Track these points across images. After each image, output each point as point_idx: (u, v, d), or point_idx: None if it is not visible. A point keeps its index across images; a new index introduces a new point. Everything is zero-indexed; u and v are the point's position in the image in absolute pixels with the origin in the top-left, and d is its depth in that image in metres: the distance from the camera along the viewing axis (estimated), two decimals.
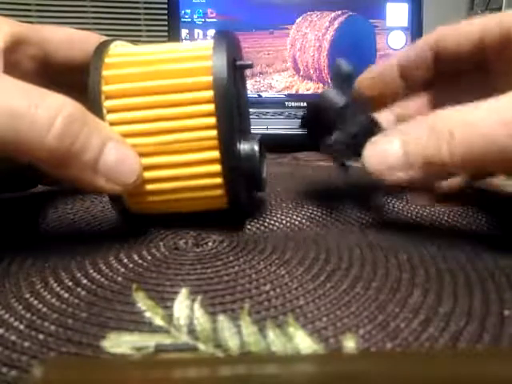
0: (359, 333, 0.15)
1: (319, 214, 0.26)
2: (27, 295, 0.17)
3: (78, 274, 0.19)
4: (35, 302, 0.17)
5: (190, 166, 0.21)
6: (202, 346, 0.15)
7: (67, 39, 0.24)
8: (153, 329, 0.15)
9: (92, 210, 0.26)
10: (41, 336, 0.15)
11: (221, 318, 0.16)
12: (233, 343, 0.15)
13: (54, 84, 0.23)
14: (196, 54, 0.21)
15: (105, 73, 0.21)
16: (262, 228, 0.24)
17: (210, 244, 0.21)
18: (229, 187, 0.21)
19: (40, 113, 0.17)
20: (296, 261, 0.20)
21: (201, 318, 0.16)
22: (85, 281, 0.18)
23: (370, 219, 0.25)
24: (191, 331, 0.15)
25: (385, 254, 0.20)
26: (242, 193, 0.22)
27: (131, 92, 0.20)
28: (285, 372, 0.12)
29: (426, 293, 0.17)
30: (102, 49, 0.21)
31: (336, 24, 0.63)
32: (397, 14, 0.68)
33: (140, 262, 0.20)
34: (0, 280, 0.18)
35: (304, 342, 0.15)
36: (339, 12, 0.64)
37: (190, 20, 0.64)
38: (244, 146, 0.22)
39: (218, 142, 0.20)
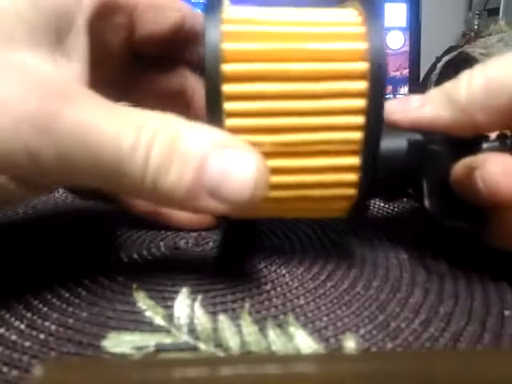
0: (360, 333, 0.15)
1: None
2: (27, 295, 0.17)
3: (79, 274, 0.19)
4: (36, 302, 0.17)
5: (319, 173, 0.17)
6: (202, 346, 0.15)
7: (155, 3, 0.20)
8: (153, 328, 0.15)
9: (93, 210, 0.26)
10: (41, 336, 0.15)
11: (221, 317, 0.16)
12: (233, 343, 0.15)
13: (135, 60, 0.21)
14: (343, 30, 0.16)
15: (224, 46, 0.16)
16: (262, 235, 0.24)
17: (210, 244, 0.21)
18: (360, 197, 0.17)
19: (140, 148, 0.14)
20: (296, 260, 0.20)
21: (201, 318, 0.16)
22: (85, 280, 0.18)
23: (371, 221, 0.25)
24: (192, 331, 0.15)
25: (385, 253, 0.20)
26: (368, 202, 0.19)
27: (256, 75, 0.16)
28: (285, 372, 0.12)
29: (427, 293, 0.17)
30: (215, 13, 0.16)
31: None
32: (395, 14, 0.68)
33: (140, 261, 0.20)
34: (0, 280, 0.18)
35: (304, 342, 0.15)
36: None
37: None
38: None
39: (361, 146, 0.16)
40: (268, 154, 0.16)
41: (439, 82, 0.65)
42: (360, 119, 0.16)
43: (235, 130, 0.16)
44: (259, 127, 0.16)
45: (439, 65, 0.68)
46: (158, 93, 0.23)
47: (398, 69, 0.68)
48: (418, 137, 0.19)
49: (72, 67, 0.16)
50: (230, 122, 0.16)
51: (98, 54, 0.18)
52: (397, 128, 0.19)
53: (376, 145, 0.16)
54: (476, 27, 1.05)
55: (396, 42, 0.68)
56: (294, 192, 0.17)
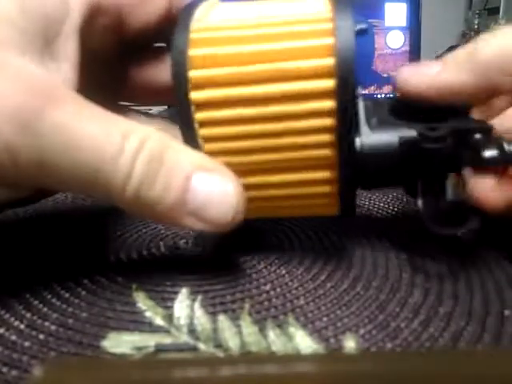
0: (359, 333, 0.15)
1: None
2: (27, 295, 0.17)
3: (79, 274, 0.19)
4: (35, 302, 0.17)
5: (297, 187, 0.17)
6: (202, 346, 0.15)
7: None
8: (153, 329, 0.15)
9: (93, 210, 0.26)
10: (41, 336, 0.15)
11: (221, 317, 0.16)
12: (233, 343, 0.15)
13: (124, 55, 0.21)
14: (310, 43, 0.16)
15: (192, 73, 0.16)
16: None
17: (210, 244, 0.21)
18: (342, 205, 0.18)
19: (124, 156, 0.14)
20: (296, 261, 0.20)
21: (201, 318, 0.16)
22: (85, 280, 0.18)
23: (371, 221, 0.25)
24: (191, 331, 0.15)
25: (385, 253, 0.20)
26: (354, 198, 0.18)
27: (224, 100, 0.16)
28: (285, 372, 0.12)
29: (427, 293, 0.17)
30: (185, 21, 0.17)
31: None
32: (395, 14, 0.68)
33: (140, 261, 0.20)
34: (0, 280, 0.18)
35: (304, 342, 0.15)
36: None
37: None
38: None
39: (334, 161, 0.17)
40: (245, 172, 0.17)
41: None
42: (330, 137, 0.16)
43: (212, 153, 0.16)
44: (234, 149, 0.17)
45: None
46: (153, 90, 0.22)
47: (397, 68, 0.68)
48: (411, 133, 0.18)
49: (61, 71, 0.16)
50: (207, 146, 0.17)
51: (89, 56, 0.18)
52: (412, 95, 0.18)
53: (350, 158, 0.16)
54: (476, 26, 1.05)
55: (396, 41, 0.68)
56: (274, 203, 0.18)
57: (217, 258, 0.20)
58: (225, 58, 0.16)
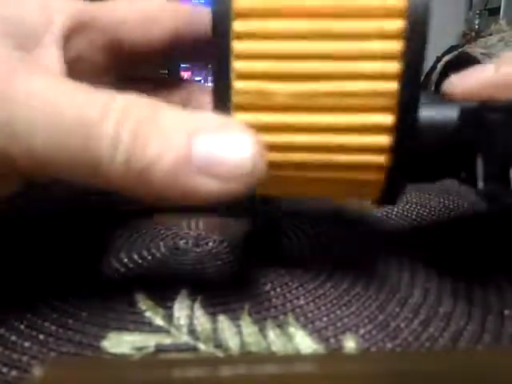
0: (359, 333, 0.15)
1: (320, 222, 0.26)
2: (27, 295, 0.17)
3: (79, 274, 0.19)
4: (35, 302, 0.17)
5: (345, 133, 0.15)
6: (202, 346, 0.15)
7: (144, 17, 0.18)
8: (153, 329, 0.15)
9: (92, 211, 0.26)
10: (41, 336, 0.15)
11: (221, 317, 0.16)
12: (233, 343, 0.15)
13: (124, 78, 0.20)
14: None
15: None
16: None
17: (210, 244, 0.21)
18: (394, 172, 0.15)
19: (106, 124, 0.13)
20: (296, 260, 0.20)
21: (201, 318, 0.16)
22: (85, 280, 0.18)
23: (370, 221, 0.25)
24: (191, 331, 0.15)
25: (385, 253, 0.20)
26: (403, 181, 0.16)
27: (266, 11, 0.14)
28: (285, 372, 0.12)
29: (427, 293, 0.17)
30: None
31: None
32: None
33: (140, 261, 0.20)
34: (0, 280, 0.18)
35: (304, 342, 0.15)
36: None
37: None
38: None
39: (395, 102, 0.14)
40: (282, 108, 0.14)
41: (440, 81, 0.65)
42: (396, 65, 0.14)
43: (244, 76, 0.14)
44: (271, 72, 0.14)
45: (440, 64, 0.68)
46: None
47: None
48: (473, 104, 0.16)
49: None
50: (238, 64, 0.14)
51: (80, 70, 0.18)
52: (472, 99, 0.16)
53: (415, 97, 0.14)
54: (476, 27, 1.05)
55: None
56: (315, 156, 0.15)
57: (217, 259, 0.20)
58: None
